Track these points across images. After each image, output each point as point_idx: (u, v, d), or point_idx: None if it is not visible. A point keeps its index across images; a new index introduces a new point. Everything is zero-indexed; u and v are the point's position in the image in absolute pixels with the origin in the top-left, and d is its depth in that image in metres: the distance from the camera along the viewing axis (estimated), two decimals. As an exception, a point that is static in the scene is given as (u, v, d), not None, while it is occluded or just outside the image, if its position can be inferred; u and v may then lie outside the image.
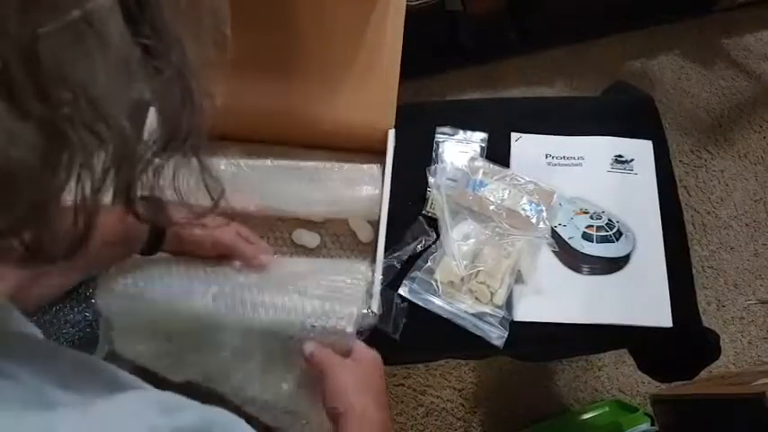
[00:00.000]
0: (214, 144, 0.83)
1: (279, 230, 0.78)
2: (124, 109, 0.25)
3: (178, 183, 0.32)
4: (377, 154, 0.79)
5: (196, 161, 0.32)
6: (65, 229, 0.26)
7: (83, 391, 0.30)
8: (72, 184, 0.25)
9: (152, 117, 0.29)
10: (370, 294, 0.68)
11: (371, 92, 0.75)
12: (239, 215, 0.69)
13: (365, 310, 0.65)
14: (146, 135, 0.28)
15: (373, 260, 0.71)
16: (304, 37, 0.73)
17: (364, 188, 0.77)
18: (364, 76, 0.75)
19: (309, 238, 0.77)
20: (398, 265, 0.78)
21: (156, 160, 0.29)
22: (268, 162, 0.79)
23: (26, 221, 0.24)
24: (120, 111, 0.25)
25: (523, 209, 0.80)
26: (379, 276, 0.68)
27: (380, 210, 0.73)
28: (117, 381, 0.36)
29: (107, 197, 0.27)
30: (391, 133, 0.76)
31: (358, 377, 0.57)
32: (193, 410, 0.32)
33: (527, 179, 0.83)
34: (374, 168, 0.79)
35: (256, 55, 0.73)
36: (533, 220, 0.80)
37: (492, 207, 0.80)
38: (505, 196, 0.81)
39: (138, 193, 0.29)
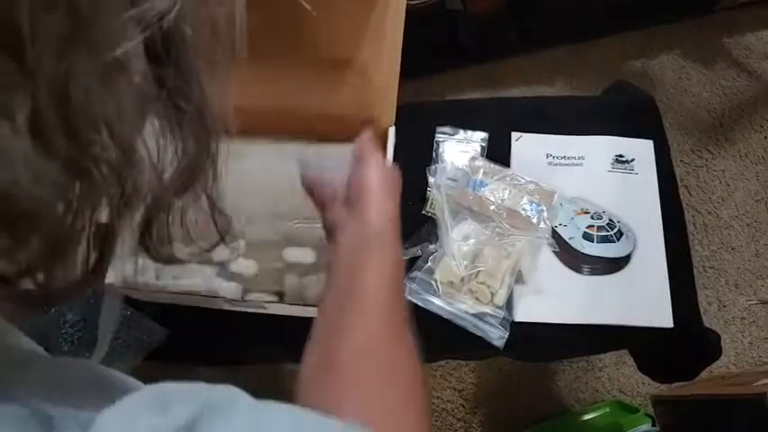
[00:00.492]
0: None
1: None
2: (147, 149, 0.25)
3: (185, 218, 0.31)
4: None
5: (206, 198, 0.32)
6: (78, 267, 0.26)
7: (83, 404, 0.30)
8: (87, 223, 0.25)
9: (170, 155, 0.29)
10: None
11: (372, 91, 0.75)
12: None
13: None
14: (166, 175, 0.28)
15: None
16: (303, 35, 0.73)
17: None
18: (364, 75, 0.74)
19: (303, 255, 0.77)
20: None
21: (175, 200, 0.29)
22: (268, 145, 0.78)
23: (44, 261, 0.24)
24: (143, 151, 0.25)
25: (524, 209, 0.80)
26: None
27: None
28: (116, 387, 0.35)
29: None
30: (391, 132, 0.76)
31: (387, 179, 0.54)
32: (190, 398, 0.32)
33: (527, 179, 0.82)
34: None
35: (252, 52, 0.73)
36: (534, 220, 0.80)
37: (492, 207, 0.80)
38: (506, 196, 0.81)
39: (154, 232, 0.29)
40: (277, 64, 0.74)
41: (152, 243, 0.30)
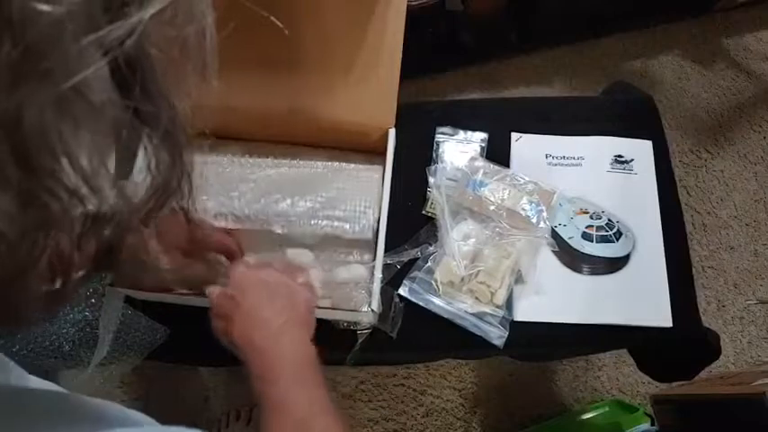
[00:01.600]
0: (215, 142, 0.84)
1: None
2: (111, 175, 0.24)
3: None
4: (377, 154, 0.79)
5: (183, 215, 0.32)
6: (40, 292, 0.25)
7: None
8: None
9: (141, 179, 0.28)
10: (369, 293, 0.68)
11: (372, 91, 0.75)
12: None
13: (365, 309, 0.65)
14: (135, 198, 0.27)
15: (373, 259, 0.71)
16: (304, 36, 0.73)
17: (365, 187, 0.77)
18: (364, 76, 0.75)
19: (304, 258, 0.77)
20: (398, 266, 0.78)
21: (142, 223, 0.28)
22: (269, 160, 0.79)
23: (2, 290, 0.24)
24: (106, 177, 0.24)
25: (523, 209, 0.80)
26: (378, 275, 0.68)
27: (380, 209, 0.73)
28: (108, 419, 0.35)
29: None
30: (391, 133, 0.76)
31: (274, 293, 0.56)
32: None
33: (527, 179, 0.83)
34: (374, 168, 0.79)
35: (255, 54, 0.73)
36: (533, 220, 0.80)
37: (492, 207, 0.80)
38: (505, 196, 0.81)
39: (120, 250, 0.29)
40: (277, 66, 0.74)
41: (110, 264, 0.29)
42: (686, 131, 1.63)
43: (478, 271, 0.77)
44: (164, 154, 0.27)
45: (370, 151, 0.81)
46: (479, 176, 0.82)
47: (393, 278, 0.77)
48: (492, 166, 0.84)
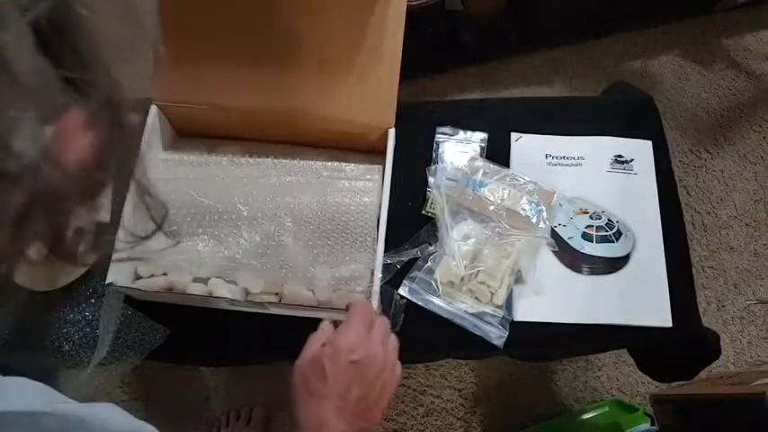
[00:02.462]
0: (215, 142, 0.84)
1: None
2: (41, 146, 0.23)
3: (117, 207, 0.30)
4: (377, 153, 0.79)
5: (134, 184, 0.30)
6: None
7: None
8: None
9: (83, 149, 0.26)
10: (369, 292, 0.68)
11: (372, 91, 0.75)
12: None
13: None
14: (75, 170, 0.26)
15: (373, 259, 0.71)
16: (304, 36, 0.73)
17: (364, 187, 0.77)
18: (364, 76, 0.75)
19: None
20: (398, 266, 0.78)
21: (87, 195, 0.27)
22: (269, 160, 0.79)
23: None
24: (36, 148, 0.22)
25: (523, 209, 0.80)
26: (379, 275, 0.68)
27: (380, 209, 0.73)
28: None
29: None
30: (391, 132, 0.76)
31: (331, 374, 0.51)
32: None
33: (527, 179, 0.83)
34: (374, 168, 0.79)
35: (255, 54, 0.74)
36: (533, 220, 0.80)
37: (492, 207, 0.80)
38: (505, 196, 0.81)
39: (70, 230, 0.27)
40: (277, 66, 0.74)
41: (66, 247, 0.27)
42: (686, 131, 1.63)
43: (478, 271, 0.77)
44: (102, 122, 0.25)
45: (370, 151, 0.81)
46: (479, 176, 0.82)
47: (393, 278, 0.77)
48: (492, 166, 0.84)
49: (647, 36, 1.72)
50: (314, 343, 0.54)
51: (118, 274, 0.68)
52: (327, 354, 0.52)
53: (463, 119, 0.88)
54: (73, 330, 0.75)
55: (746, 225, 1.54)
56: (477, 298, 0.76)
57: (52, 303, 0.75)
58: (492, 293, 0.76)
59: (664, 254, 0.81)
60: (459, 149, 0.86)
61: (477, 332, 0.75)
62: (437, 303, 0.76)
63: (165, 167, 0.78)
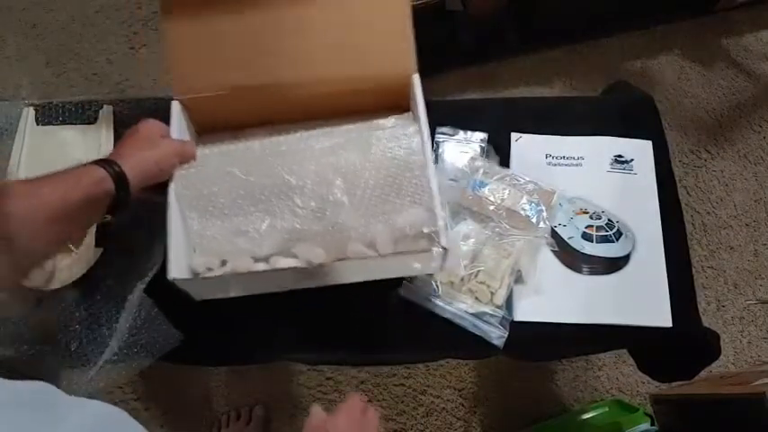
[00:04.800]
0: (238, 132, 0.82)
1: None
2: None
3: None
4: (404, 110, 0.78)
5: None
6: None
7: None
8: None
9: None
10: (437, 233, 0.66)
11: (387, 41, 0.75)
12: None
13: (435, 249, 0.64)
14: None
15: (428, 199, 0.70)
16: (314, 4, 0.74)
17: (404, 132, 0.74)
18: (378, 27, 0.74)
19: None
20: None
21: None
22: (298, 134, 0.77)
23: None
24: None
25: (523, 209, 0.80)
26: (440, 213, 0.66)
27: (426, 148, 0.71)
28: None
29: None
30: (416, 78, 0.75)
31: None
32: None
33: (527, 179, 0.83)
34: (405, 116, 0.78)
35: (269, 29, 0.73)
36: (533, 220, 0.80)
37: (492, 207, 0.80)
38: (505, 196, 0.81)
39: None
40: (292, 38, 0.74)
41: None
42: (686, 131, 1.63)
43: (478, 271, 0.77)
44: None
45: (396, 107, 0.79)
46: (479, 176, 0.82)
47: (393, 278, 0.77)
48: (492, 166, 0.84)
49: (647, 36, 1.73)
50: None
51: (174, 271, 0.65)
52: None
53: (463, 119, 0.88)
54: (79, 328, 0.74)
55: (746, 225, 1.54)
56: (477, 298, 0.76)
57: (60, 299, 0.75)
58: (492, 293, 0.76)
59: (664, 254, 0.81)
60: (459, 149, 0.86)
61: (477, 332, 0.75)
62: (437, 303, 0.76)
63: (200, 159, 0.75)
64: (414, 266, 0.70)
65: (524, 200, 0.81)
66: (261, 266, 0.69)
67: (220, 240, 0.71)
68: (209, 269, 0.70)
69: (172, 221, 0.67)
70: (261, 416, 1.33)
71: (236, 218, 0.71)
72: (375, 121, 0.78)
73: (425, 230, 0.68)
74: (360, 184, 0.71)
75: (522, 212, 0.80)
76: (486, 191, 0.81)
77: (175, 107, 0.74)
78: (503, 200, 0.81)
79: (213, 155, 0.76)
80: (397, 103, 0.78)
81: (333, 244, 0.70)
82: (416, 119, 0.74)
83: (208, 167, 0.73)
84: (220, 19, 0.73)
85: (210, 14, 0.73)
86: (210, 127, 0.80)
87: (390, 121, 0.78)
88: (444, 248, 0.64)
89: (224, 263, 0.71)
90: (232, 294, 0.72)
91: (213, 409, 1.36)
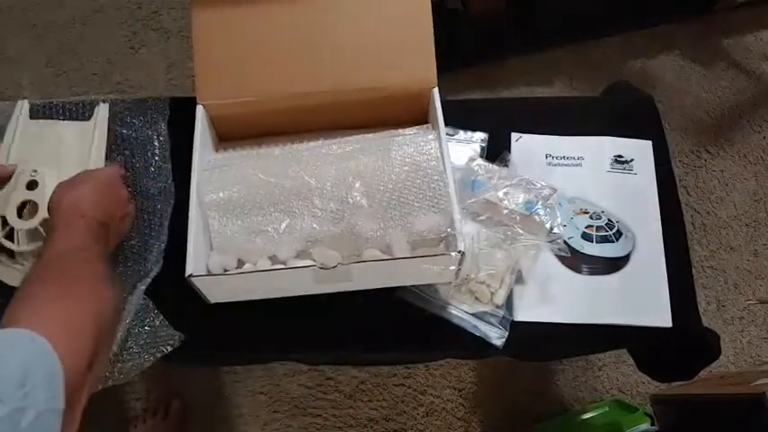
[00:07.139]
0: (260, 140, 0.84)
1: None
2: None
3: None
4: (420, 124, 0.80)
5: None
6: None
7: None
8: None
9: None
10: (454, 236, 0.67)
11: (409, 54, 0.80)
12: None
13: (453, 253, 0.65)
14: None
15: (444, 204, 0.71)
16: (336, 14, 0.76)
17: (424, 139, 0.76)
18: (397, 37, 0.78)
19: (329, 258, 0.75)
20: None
21: None
22: (320, 142, 0.78)
23: None
24: None
25: (523, 208, 0.80)
26: (458, 217, 0.67)
27: (443, 154, 0.72)
28: None
29: None
30: (435, 93, 0.76)
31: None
32: None
33: (527, 179, 0.83)
34: (425, 127, 0.79)
35: (293, 40, 0.75)
36: (537, 219, 0.80)
37: (492, 207, 0.80)
38: (506, 196, 0.81)
39: None
40: (316, 49, 0.76)
41: None
42: (686, 131, 1.63)
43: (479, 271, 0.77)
44: None
45: (411, 121, 0.81)
46: (479, 176, 0.82)
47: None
48: (492, 166, 0.84)
49: (647, 36, 1.72)
50: None
51: (192, 268, 0.65)
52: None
53: (463, 119, 0.88)
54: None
55: (746, 225, 1.54)
56: (477, 298, 0.76)
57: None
58: (492, 293, 0.76)
59: (664, 254, 0.81)
60: (459, 149, 0.86)
61: (477, 332, 0.75)
62: (437, 303, 0.76)
63: (222, 161, 0.77)
64: (432, 270, 0.69)
65: (524, 200, 0.81)
66: (277, 267, 0.69)
67: (239, 238, 0.71)
68: (225, 270, 0.71)
69: (192, 221, 0.68)
70: (177, 409, 1.32)
71: (256, 217, 0.72)
72: (394, 130, 0.79)
73: (443, 234, 0.69)
74: (379, 187, 0.72)
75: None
76: (485, 191, 0.81)
77: (200, 111, 0.75)
78: (502, 200, 0.80)
79: (234, 158, 0.78)
80: (415, 117, 0.80)
81: (349, 247, 0.70)
82: (435, 129, 0.76)
83: (229, 169, 0.74)
84: (248, 27, 0.75)
85: (239, 20, 0.75)
86: (232, 133, 0.82)
87: (410, 130, 0.79)
88: (461, 252, 0.65)
89: (240, 264, 0.72)
90: (244, 298, 0.72)
91: (135, 408, 1.33)
